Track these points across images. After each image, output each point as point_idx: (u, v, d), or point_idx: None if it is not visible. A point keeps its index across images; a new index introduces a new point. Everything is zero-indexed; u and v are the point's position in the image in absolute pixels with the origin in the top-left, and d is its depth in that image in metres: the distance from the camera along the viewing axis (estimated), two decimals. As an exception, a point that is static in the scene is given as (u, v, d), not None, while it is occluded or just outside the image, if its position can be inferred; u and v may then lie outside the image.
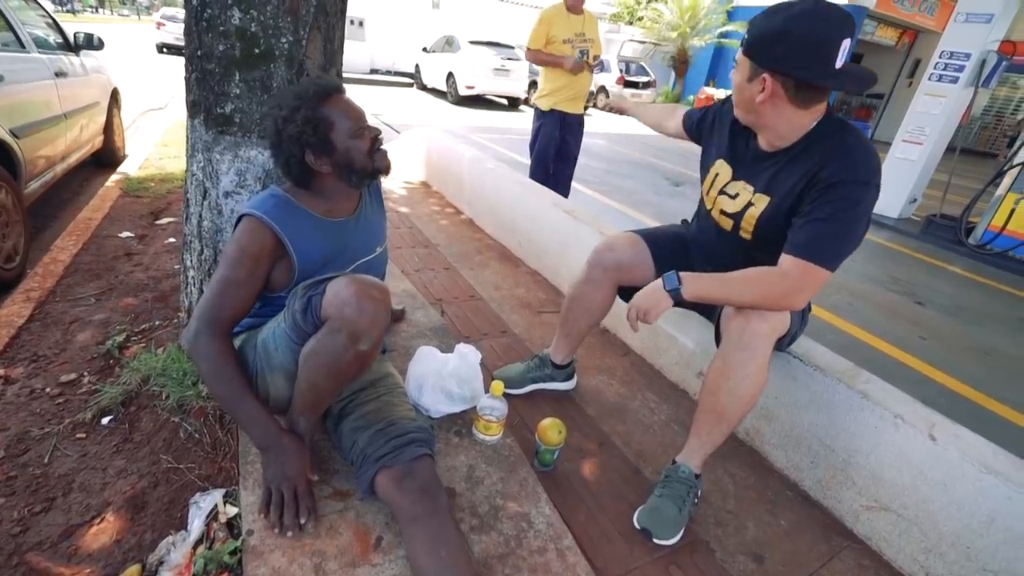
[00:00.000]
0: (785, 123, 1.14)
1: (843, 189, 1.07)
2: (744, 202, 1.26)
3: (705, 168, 1.41)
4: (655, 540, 1.24)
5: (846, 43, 1.01)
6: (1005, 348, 2.93)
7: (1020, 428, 2.17)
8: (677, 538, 1.25)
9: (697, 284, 1.17)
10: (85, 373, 1.55)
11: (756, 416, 1.59)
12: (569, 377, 1.75)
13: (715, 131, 1.39)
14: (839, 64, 1.02)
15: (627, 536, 1.25)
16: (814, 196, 1.10)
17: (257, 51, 1.26)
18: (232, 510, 1.14)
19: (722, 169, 1.33)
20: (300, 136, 1.08)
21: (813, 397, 1.43)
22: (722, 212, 1.33)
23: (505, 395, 1.39)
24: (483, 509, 1.19)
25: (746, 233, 1.28)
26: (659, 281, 1.20)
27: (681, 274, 1.18)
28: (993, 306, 3.62)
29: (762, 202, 1.22)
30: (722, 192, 1.32)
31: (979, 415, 2.22)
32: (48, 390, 1.47)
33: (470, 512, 1.17)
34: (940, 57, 5.09)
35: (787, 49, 1.03)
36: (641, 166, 7.01)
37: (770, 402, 1.54)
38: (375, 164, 1.18)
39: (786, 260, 1.12)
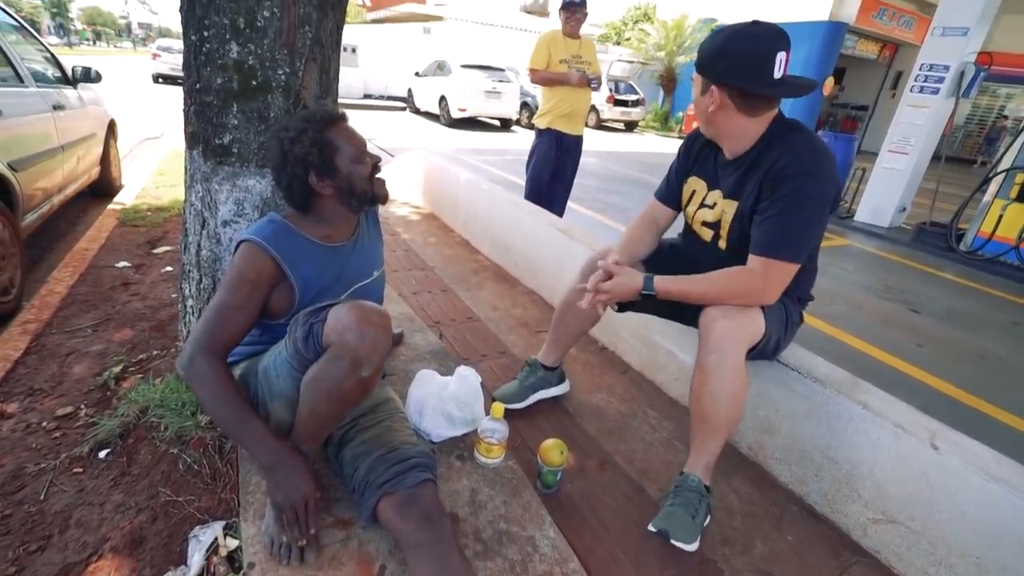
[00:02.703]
0: (738, 130, 1.23)
1: (793, 183, 1.15)
2: (720, 210, 1.33)
3: (681, 189, 1.47)
4: (672, 541, 1.23)
5: (781, 56, 1.12)
6: (1000, 353, 2.95)
7: (1020, 432, 2.17)
8: (695, 545, 1.24)
9: (665, 282, 1.26)
10: (82, 406, 1.54)
11: (758, 430, 1.59)
12: (561, 379, 1.79)
13: (688, 170, 1.45)
14: (778, 75, 1.13)
15: (633, 558, 1.23)
16: (768, 194, 1.19)
17: (254, 83, 1.28)
18: (233, 543, 1.13)
19: (697, 185, 1.41)
20: (306, 157, 1.11)
21: (813, 409, 1.43)
22: (703, 223, 1.40)
23: (508, 411, 1.39)
24: (487, 534, 1.17)
25: (723, 241, 1.35)
26: (639, 275, 1.30)
27: (656, 276, 1.28)
28: (986, 311, 3.65)
29: (731, 207, 1.30)
30: (702, 205, 1.39)
31: (979, 421, 2.22)
32: (44, 424, 1.46)
33: (474, 537, 1.16)
34: (920, 69, 5.22)
35: (729, 64, 1.16)
36: (633, 183, 7.10)
37: (771, 415, 1.54)
38: (374, 190, 1.20)
39: (751, 259, 1.20)
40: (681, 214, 1.52)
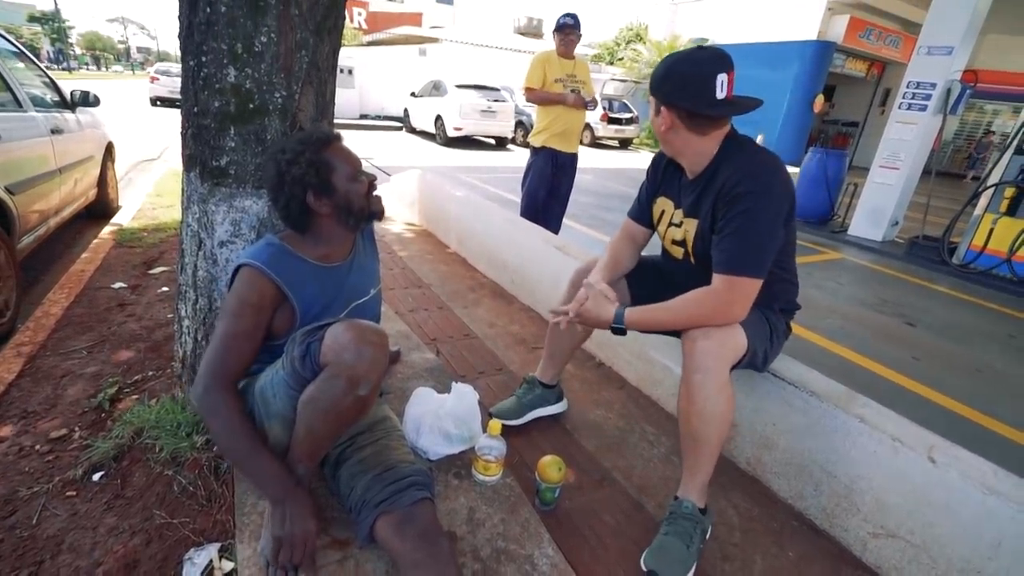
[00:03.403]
0: (691, 148, 1.28)
1: (746, 201, 1.18)
2: (685, 229, 1.37)
3: (651, 208, 1.50)
4: None
5: (722, 77, 1.17)
6: (996, 365, 2.96)
7: (1018, 445, 2.16)
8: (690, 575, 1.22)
9: (636, 314, 1.30)
10: (76, 428, 1.52)
11: (756, 445, 1.58)
12: (560, 398, 1.78)
13: (656, 190, 1.48)
14: (721, 95, 1.19)
15: (633, 575, 1.22)
16: (723, 212, 1.22)
17: (252, 106, 1.30)
18: (228, 565, 1.11)
19: (665, 205, 1.45)
20: (303, 177, 1.13)
21: (811, 424, 1.43)
22: (673, 242, 1.43)
23: (506, 428, 1.38)
24: (485, 552, 1.16)
25: (693, 258, 1.38)
26: (612, 307, 1.33)
27: (627, 309, 1.31)
28: (982, 324, 3.67)
29: (692, 225, 1.33)
30: (671, 224, 1.42)
31: (977, 434, 2.22)
32: (38, 447, 1.44)
33: (472, 556, 1.15)
34: (908, 87, 5.32)
35: (673, 86, 1.23)
36: (628, 199, 7.12)
37: (768, 430, 1.54)
38: (371, 207, 1.22)
39: (714, 278, 1.23)
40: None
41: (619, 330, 1.32)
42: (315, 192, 1.15)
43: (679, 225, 1.39)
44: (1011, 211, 4.46)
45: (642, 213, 1.53)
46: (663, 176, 1.46)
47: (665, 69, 1.24)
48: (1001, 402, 2.50)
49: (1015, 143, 4.50)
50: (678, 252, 1.43)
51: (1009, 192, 4.46)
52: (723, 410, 1.22)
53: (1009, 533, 1.09)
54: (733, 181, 1.20)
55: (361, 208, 1.20)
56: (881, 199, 5.62)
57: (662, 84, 1.24)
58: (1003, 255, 4.46)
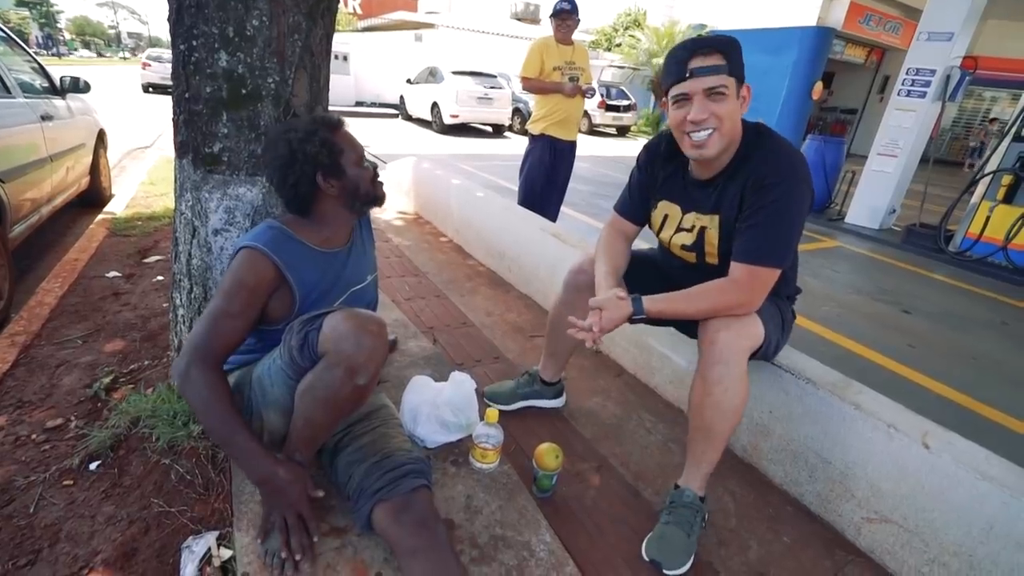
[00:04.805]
0: (740, 131, 1.22)
1: (774, 191, 1.17)
2: (698, 230, 1.32)
3: (647, 209, 1.45)
4: (665, 572, 1.20)
5: None
6: (991, 352, 2.98)
7: (1011, 432, 2.18)
8: (687, 566, 1.22)
9: (654, 303, 1.24)
10: (72, 418, 1.52)
11: (752, 432, 1.59)
12: (558, 395, 1.77)
13: (651, 187, 1.43)
14: None
15: (630, 561, 1.23)
16: (750, 201, 1.20)
17: (244, 92, 1.28)
18: (226, 553, 1.12)
19: (669, 210, 1.39)
20: (316, 156, 1.12)
21: (807, 411, 1.44)
22: (683, 247, 1.38)
23: (502, 415, 1.38)
24: (483, 539, 1.17)
25: (712, 258, 1.33)
26: (626, 302, 1.26)
27: (644, 299, 1.25)
28: (977, 311, 3.69)
29: (715, 222, 1.29)
30: (679, 229, 1.37)
31: (972, 420, 2.24)
32: (34, 437, 1.44)
33: (470, 543, 1.16)
34: (907, 74, 5.29)
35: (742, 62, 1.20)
36: (626, 187, 7.12)
37: (765, 417, 1.55)
38: (376, 192, 1.23)
39: (734, 267, 1.21)
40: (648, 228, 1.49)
41: (639, 320, 1.27)
42: (324, 173, 1.15)
43: (690, 229, 1.34)
44: (1008, 199, 4.47)
45: (635, 211, 1.46)
46: (658, 176, 1.40)
47: (739, 47, 1.18)
48: (996, 389, 2.52)
49: (1014, 130, 4.49)
50: (689, 257, 1.38)
51: (1006, 180, 4.46)
52: (739, 402, 1.21)
53: (1001, 518, 1.10)
54: (764, 171, 1.17)
55: (367, 193, 1.21)
56: (879, 187, 5.62)
57: (742, 62, 1.18)
58: (999, 243, 4.47)
